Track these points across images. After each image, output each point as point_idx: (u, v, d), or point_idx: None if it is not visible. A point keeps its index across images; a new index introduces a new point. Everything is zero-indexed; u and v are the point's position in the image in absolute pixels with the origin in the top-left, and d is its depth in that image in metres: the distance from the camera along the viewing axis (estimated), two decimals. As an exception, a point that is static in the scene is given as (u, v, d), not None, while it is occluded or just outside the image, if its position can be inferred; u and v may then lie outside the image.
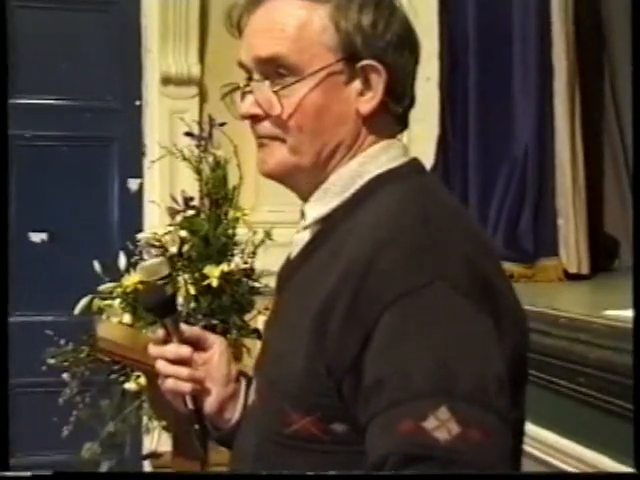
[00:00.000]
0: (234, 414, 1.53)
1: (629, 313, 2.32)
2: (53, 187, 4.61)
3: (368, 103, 1.36)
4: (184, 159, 3.20)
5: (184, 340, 1.51)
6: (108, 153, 4.71)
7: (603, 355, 2.28)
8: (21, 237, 4.46)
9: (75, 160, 4.65)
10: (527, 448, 2.61)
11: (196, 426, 1.52)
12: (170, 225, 3.16)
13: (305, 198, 1.43)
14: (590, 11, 4.12)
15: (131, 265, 3.06)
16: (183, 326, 1.53)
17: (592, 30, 4.16)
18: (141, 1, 4.72)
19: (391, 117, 1.40)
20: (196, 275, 3.04)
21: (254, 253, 3.15)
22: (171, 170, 4.15)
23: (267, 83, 1.37)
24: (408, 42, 1.40)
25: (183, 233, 3.10)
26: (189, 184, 3.32)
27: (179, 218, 3.14)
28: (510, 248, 3.87)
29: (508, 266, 3.81)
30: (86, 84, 4.68)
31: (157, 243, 3.10)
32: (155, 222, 4.03)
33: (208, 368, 1.53)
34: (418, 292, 1.19)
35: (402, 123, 1.43)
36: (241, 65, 1.41)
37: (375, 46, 1.35)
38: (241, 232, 3.19)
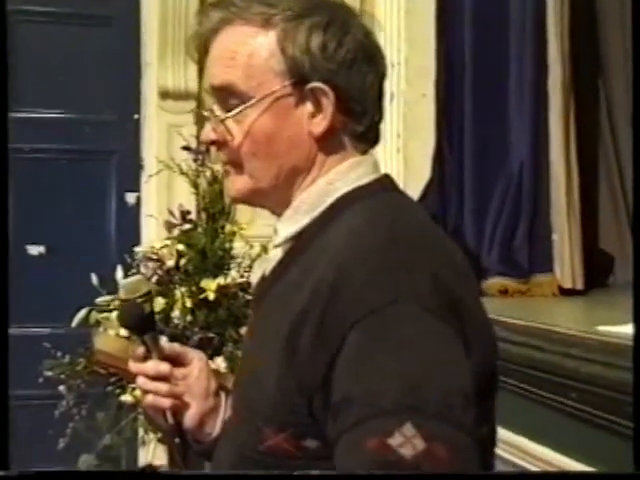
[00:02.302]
0: (214, 428, 1.55)
1: (622, 329, 2.34)
2: (51, 200, 4.61)
3: (319, 125, 1.36)
4: (181, 173, 3.22)
5: (164, 356, 1.53)
6: (106, 167, 4.71)
7: (595, 370, 2.30)
8: (19, 250, 4.46)
9: (73, 173, 4.65)
10: (519, 461, 2.64)
11: (177, 440, 1.55)
12: (167, 239, 3.18)
13: (279, 215, 1.44)
14: (586, 29, 4.16)
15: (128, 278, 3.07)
16: (162, 343, 1.56)
17: (588, 48, 4.18)
18: (140, 16, 4.73)
19: (350, 136, 1.40)
20: (193, 288, 3.05)
21: (250, 267, 3.17)
22: (168, 184, 4.15)
23: (220, 110, 1.40)
24: (366, 57, 1.38)
25: (180, 247, 3.12)
26: (186, 198, 3.34)
27: (176, 232, 3.16)
28: (505, 263, 3.90)
29: (503, 281, 3.83)
30: (85, 98, 4.69)
31: (154, 256, 3.12)
32: (152, 235, 4.04)
33: (188, 383, 1.55)
34: (384, 310, 1.19)
35: (369, 140, 1.43)
36: (206, 92, 1.44)
37: (324, 68, 1.34)
38: (238, 246, 3.20)
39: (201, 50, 1.43)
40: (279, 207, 1.43)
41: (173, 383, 1.53)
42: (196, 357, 1.59)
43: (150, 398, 1.53)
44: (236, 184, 1.42)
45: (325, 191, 1.39)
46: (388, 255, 1.25)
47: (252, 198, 1.44)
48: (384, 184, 1.42)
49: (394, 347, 1.18)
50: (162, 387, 1.52)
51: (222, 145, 1.41)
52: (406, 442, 1.13)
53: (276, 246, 1.44)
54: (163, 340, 1.58)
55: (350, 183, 1.39)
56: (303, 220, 1.39)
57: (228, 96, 1.38)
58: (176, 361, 1.56)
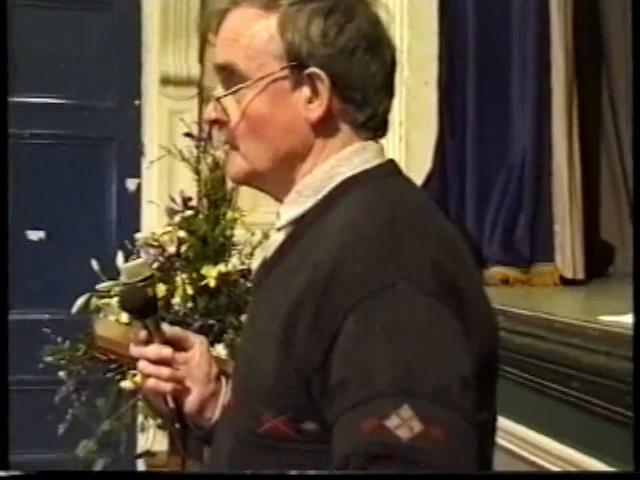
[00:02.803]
0: (215, 413, 1.55)
1: (623, 319, 2.34)
2: (51, 186, 4.61)
3: (315, 110, 1.36)
4: (183, 159, 3.21)
5: (165, 340, 1.53)
6: (107, 153, 4.71)
7: (597, 360, 2.29)
8: (18, 235, 4.45)
9: (73, 159, 4.65)
10: (521, 452, 2.64)
11: (177, 425, 1.55)
12: (168, 225, 3.17)
13: (280, 200, 1.44)
14: (589, 18, 4.14)
15: (129, 264, 3.06)
16: (164, 326, 1.56)
17: (591, 37, 4.17)
18: (142, 1, 4.73)
19: (351, 124, 1.39)
20: (194, 275, 3.05)
21: (252, 254, 3.16)
22: (170, 170, 4.15)
23: (222, 90, 1.41)
24: (369, 46, 1.38)
25: (181, 233, 3.12)
26: (188, 184, 3.33)
27: (177, 218, 3.15)
28: (506, 253, 3.89)
29: (504, 270, 3.83)
30: (85, 83, 4.68)
31: (155, 243, 3.11)
32: (153, 222, 4.04)
33: (189, 367, 1.55)
34: (381, 293, 1.19)
35: (372, 129, 1.42)
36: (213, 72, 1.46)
37: (322, 54, 1.35)
38: (239, 233, 3.20)
39: (211, 31, 1.43)
40: (280, 192, 1.43)
41: (174, 367, 1.53)
42: (197, 341, 1.59)
43: (151, 382, 1.53)
44: (235, 165, 1.43)
45: (329, 175, 1.39)
46: (386, 240, 1.25)
47: (249, 180, 1.44)
48: (388, 168, 1.43)
49: (391, 330, 1.18)
50: (163, 371, 1.52)
51: (222, 125, 1.42)
52: (403, 424, 1.13)
53: (278, 229, 1.44)
54: (165, 324, 1.57)
55: (354, 167, 1.39)
56: (306, 203, 1.39)
57: (230, 76, 1.39)
58: (177, 345, 1.56)
